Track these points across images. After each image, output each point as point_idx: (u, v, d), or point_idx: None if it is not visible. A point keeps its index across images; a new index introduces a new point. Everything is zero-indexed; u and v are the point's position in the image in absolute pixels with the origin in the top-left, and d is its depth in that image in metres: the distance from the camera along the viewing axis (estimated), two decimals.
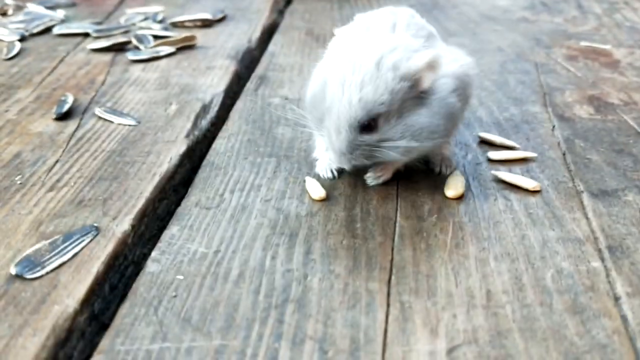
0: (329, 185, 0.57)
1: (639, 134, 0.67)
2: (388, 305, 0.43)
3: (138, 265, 0.51)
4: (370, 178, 0.57)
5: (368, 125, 0.51)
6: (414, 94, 0.52)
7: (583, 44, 0.95)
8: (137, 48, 0.91)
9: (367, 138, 0.51)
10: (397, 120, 0.51)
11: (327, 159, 0.58)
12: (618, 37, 0.98)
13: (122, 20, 1.04)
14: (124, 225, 0.51)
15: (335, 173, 0.58)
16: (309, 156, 0.61)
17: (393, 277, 0.46)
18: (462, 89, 0.56)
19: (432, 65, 0.51)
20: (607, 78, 0.82)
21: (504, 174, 0.58)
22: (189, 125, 0.69)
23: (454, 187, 0.56)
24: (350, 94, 0.50)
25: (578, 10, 1.12)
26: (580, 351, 0.39)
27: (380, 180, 0.57)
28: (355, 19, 0.63)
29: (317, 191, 0.56)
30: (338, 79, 0.52)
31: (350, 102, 0.50)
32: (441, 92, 0.53)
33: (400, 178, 0.58)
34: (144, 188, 0.57)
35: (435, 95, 0.52)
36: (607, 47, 0.94)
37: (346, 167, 0.54)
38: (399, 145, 0.52)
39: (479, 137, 0.66)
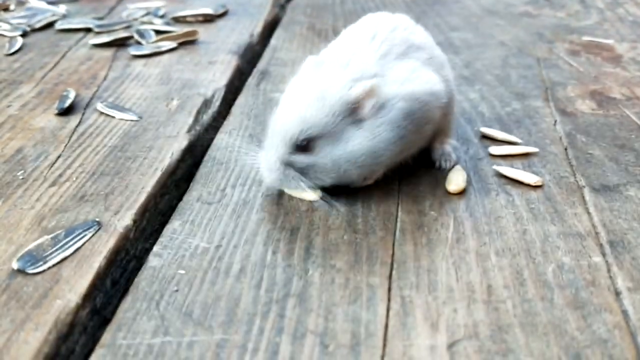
0: None
1: None
2: (389, 299, 0.43)
3: (140, 260, 0.51)
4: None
5: (303, 146, 0.52)
6: (355, 119, 0.52)
7: (585, 38, 0.95)
8: (138, 43, 0.91)
9: (299, 159, 0.52)
10: (333, 145, 0.52)
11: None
12: (621, 32, 0.98)
13: (123, 16, 1.04)
14: (125, 220, 0.51)
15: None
16: None
17: (394, 272, 0.46)
18: (412, 114, 0.53)
19: (370, 94, 0.51)
20: (610, 73, 0.82)
21: (505, 169, 0.58)
22: (190, 120, 0.69)
23: (455, 182, 0.56)
24: (291, 114, 0.52)
25: (580, 4, 1.12)
26: (581, 346, 0.39)
27: (366, 183, 0.55)
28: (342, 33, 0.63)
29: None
30: (284, 104, 0.54)
31: (288, 121, 0.52)
32: (384, 116, 0.52)
33: (402, 173, 0.58)
34: (145, 183, 0.57)
35: (377, 120, 0.52)
36: (610, 41, 0.94)
37: (271, 183, 0.54)
38: (331, 169, 0.52)
39: (481, 132, 0.66)
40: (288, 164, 0.52)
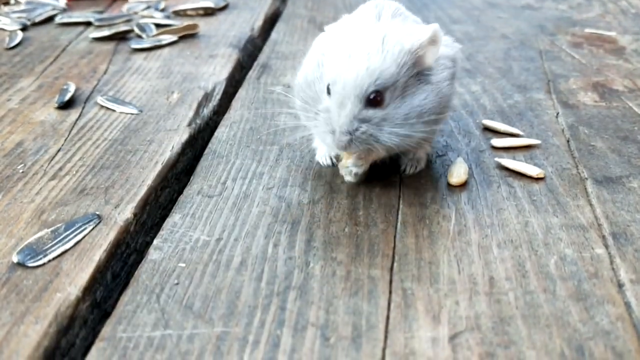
0: (331, 172, 0.57)
1: None
2: (390, 292, 0.43)
3: (140, 254, 0.51)
4: (351, 166, 0.53)
5: (374, 98, 0.48)
6: (416, 71, 0.50)
7: (588, 30, 0.95)
8: (139, 37, 0.91)
9: (372, 114, 0.48)
10: (402, 99, 0.49)
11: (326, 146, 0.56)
12: (623, 24, 0.97)
13: (124, 9, 1.04)
14: (126, 213, 0.51)
15: (335, 160, 0.57)
16: (311, 144, 0.61)
17: (395, 264, 0.46)
18: (455, 73, 0.55)
19: (434, 40, 0.50)
20: (612, 65, 0.82)
21: (507, 161, 0.58)
22: (191, 113, 0.69)
23: (457, 175, 0.56)
24: (358, 65, 0.48)
25: None
26: (584, 337, 0.39)
27: (361, 170, 0.53)
28: (342, 18, 0.62)
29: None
30: (342, 54, 0.49)
31: (357, 72, 0.48)
32: (441, 73, 0.52)
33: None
34: (146, 176, 0.56)
35: (436, 76, 0.51)
36: (612, 34, 0.93)
37: (343, 149, 0.49)
38: (405, 125, 0.49)
39: (483, 124, 0.66)
40: (362, 121, 0.48)
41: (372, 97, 0.48)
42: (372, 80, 0.48)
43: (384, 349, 0.39)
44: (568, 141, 0.62)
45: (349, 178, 0.53)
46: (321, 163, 0.58)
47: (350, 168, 0.53)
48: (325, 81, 0.50)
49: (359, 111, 0.48)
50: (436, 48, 0.50)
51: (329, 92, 0.49)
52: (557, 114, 0.68)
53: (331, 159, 0.58)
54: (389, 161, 0.57)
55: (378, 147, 0.49)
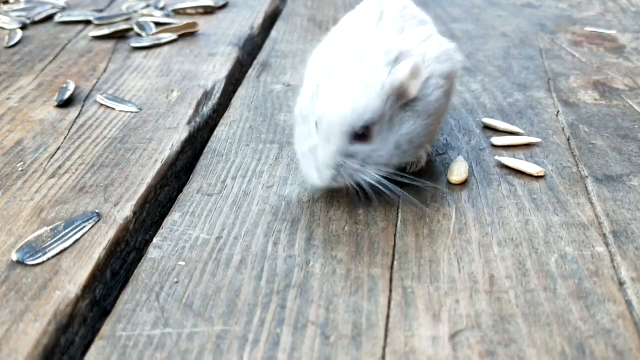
0: None
1: None
2: (390, 290, 0.43)
3: (140, 252, 0.51)
4: None
5: (362, 134, 0.49)
6: (402, 103, 0.50)
7: (588, 29, 0.95)
8: (138, 35, 0.91)
9: (360, 149, 0.49)
10: (389, 131, 0.50)
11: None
12: (623, 23, 0.97)
13: (123, 8, 1.03)
14: (125, 211, 0.51)
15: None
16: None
17: (395, 263, 0.46)
18: (449, 87, 0.55)
19: (415, 74, 0.50)
20: (612, 63, 0.82)
21: (507, 160, 0.58)
22: (190, 112, 0.68)
23: (457, 173, 0.56)
24: (343, 103, 0.49)
25: None
26: (585, 336, 0.39)
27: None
28: (344, 17, 0.62)
29: None
30: (329, 91, 0.50)
31: (343, 110, 0.48)
32: (430, 95, 0.52)
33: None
34: (145, 174, 0.56)
35: (424, 100, 0.51)
36: (613, 32, 0.93)
37: (324, 182, 0.50)
38: (394, 154, 0.50)
39: (483, 123, 0.66)
40: (348, 156, 0.49)
41: (359, 133, 0.49)
42: (357, 117, 0.48)
43: (384, 348, 0.38)
44: (568, 139, 0.62)
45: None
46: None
47: None
48: (314, 118, 0.51)
49: (345, 147, 0.49)
50: (417, 81, 0.50)
51: (317, 129, 0.50)
52: (558, 112, 0.68)
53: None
54: None
55: (365, 182, 0.50)
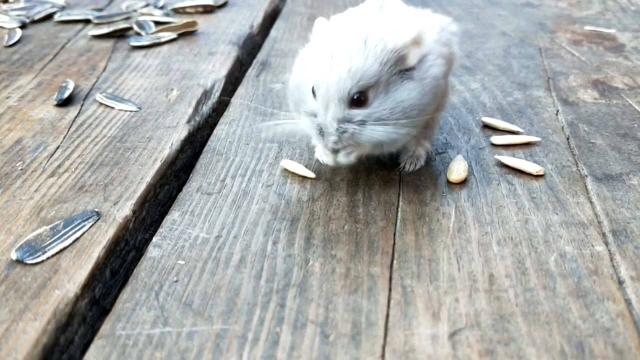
0: (330, 170, 0.57)
1: None
2: (390, 289, 0.43)
3: (139, 251, 0.51)
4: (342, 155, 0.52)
5: (358, 98, 0.49)
6: (400, 69, 0.50)
7: (587, 28, 0.95)
8: (138, 34, 0.91)
9: (356, 114, 0.49)
10: (386, 95, 0.50)
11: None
12: (623, 22, 0.97)
13: (123, 7, 1.03)
14: (125, 210, 0.51)
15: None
16: (310, 141, 0.61)
17: (395, 262, 0.46)
18: (448, 68, 0.55)
19: (417, 41, 0.50)
20: (612, 62, 0.81)
21: (507, 159, 0.58)
22: (190, 110, 0.68)
23: (456, 172, 0.56)
24: (340, 67, 0.49)
25: None
26: (584, 335, 0.39)
27: (352, 157, 0.52)
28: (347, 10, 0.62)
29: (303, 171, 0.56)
30: (325, 55, 0.50)
31: (339, 75, 0.48)
32: (430, 69, 0.51)
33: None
34: (145, 173, 0.56)
35: (423, 72, 0.51)
36: (612, 31, 0.93)
37: (333, 151, 0.50)
38: (389, 122, 0.49)
39: (482, 122, 0.66)
40: (347, 121, 0.49)
41: (355, 97, 0.49)
42: (355, 82, 0.48)
43: (383, 346, 0.38)
44: (568, 139, 0.62)
45: (326, 159, 0.54)
46: (320, 160, 0.58)
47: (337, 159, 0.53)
48: (310, 84, 0.51)
49: (343, 113, 0.49)
50: (419, 49, 0.50)
51: (314, 95, 0.50)
52: (557, 111, 0.68)
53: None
54: (387, 158, 0.57)
55: (363, 145, 0.50)
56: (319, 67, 0.50)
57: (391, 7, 0.56)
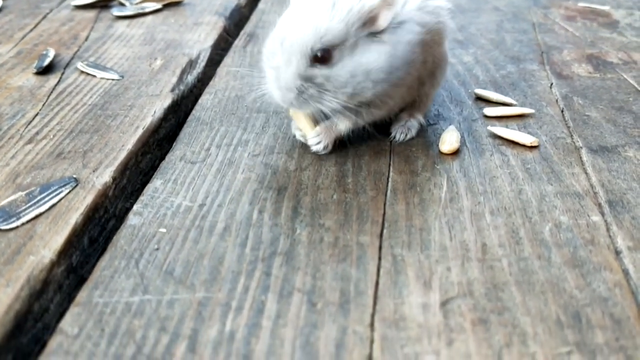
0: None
1: (638, 92, 0.65)
2: (380, 258, 0.41)
3: (120, 220, 0.49)
4: (313, 140, 0.53)
5: (322, 56, 0.48)
6: (371, 32, 0.49)
7: (581, 4, 0.93)
8: (122, 4, 0.88)
9: (318, 72, 0.48)
10: (350, 57, 0.48)
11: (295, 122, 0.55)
12: None
13: None
14: (104, 177, 0.49)
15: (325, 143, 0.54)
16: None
17: (385, 231, 0.44)
18: (434, 38, 0.53)
19: (388, 3, 0.48)
20: (606, 38, 0.80)
21: (500, 130, 0.56)
22: (174, 79, 0.66)
23: (448, 142, 0.54)
24: (305, 24, 0.48)
25: None
26: (581, 304, 0.38)
27: (320, 147, 0.53)
28: None
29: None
30: (295, 13, 0.49)
31: (304, 31, 0.48)
32: (405, 35, 0.50)
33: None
34: (126, 141, 0.54)
35: (397, 37, 0.49)
36: (606, 7, 0.92)
37: (290, 105, 0.49)
38: (348, 82, 0.48)
39: (475, 94, 0.64)
40: (307, 78, 0.48)
41: (319, 54, 0.48)
42: (318, 37, 0.47)
43: (372, 315, 0.37)
44: (562, 111, 0.61)
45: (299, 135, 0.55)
46: (297, 137, 0.56)
47: (310, 143, 0.53)
48: (278, 40, 0.49)
49: (305, 68, 0.48)
50: (390, 11, 0.48)
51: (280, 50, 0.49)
52: (551, 84, 0.67)
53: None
54: (374, 126, 0.55)
55: (323, 106, 0.49)
56: (287, 23, 0.49)
57: None
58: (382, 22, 0.49)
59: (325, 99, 0.49)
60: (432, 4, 0.54)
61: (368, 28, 0.48)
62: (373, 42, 0.49)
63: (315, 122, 0.54)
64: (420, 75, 0.55)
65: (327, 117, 0.52)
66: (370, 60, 0.48)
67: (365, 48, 0.48)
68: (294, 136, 0.56)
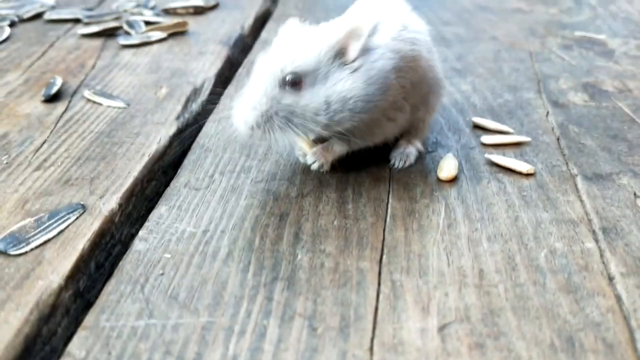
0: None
1: (633, 120, 0.66)
2: (379, 283, 0.43)
3: (125, 246, 0.50)
4: (310, 159, 0.55)
5: (293, 81, 0.49)
6: (341, 61, 0.50)
7: (578, 33, 0.95)
8: (127, 33, 0.90)
9: (288, 97, 0.49)
10: (324, 85, 0.50)
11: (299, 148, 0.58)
12: (613, 28, 0.98)
13: (113, 7, 1.03)
14: (111, 203, 0.50)
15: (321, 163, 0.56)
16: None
17: (384, 256, 0.45)
18: (398, 69, 0.53)
19: (354, 34, 0.50)
20: (602, 67, 0.82)
21: (497, 157, 0.57)
22: (179, 107, 0.68)
23: (446, 170, 0.55)
24: (278, 54, 0.50)
25: (573, 1, 1.12)
26: (574, 329, 0.39)
27: (316, 166, 0.55)
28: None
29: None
30: (275, 44, 0.52)
31: (276, 57, 0.50)
32: (376, 62, 0.51)
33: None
34: (132, 168, 0.56)
35: (366, 65, 0.50)
36: (602, 36, 0.93)
37: (247, 124, 0.50)
38: (321, 109, 0.49)
39: (473, 122, 0.66)
40: (275, 100, 0.49)
41: (289, 79, 0.49)
42: (289, 61, 0.49)
43: (372, 339, 0.38)
44: (558, 139, 0.62)
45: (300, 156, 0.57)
46: (312, 167, 0.56)
47: (310, 162, 0.56)
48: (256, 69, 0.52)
49: (274, 92, 0.49)
50: (358, 42, 0.50)
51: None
52: (547, 112, 0.68)
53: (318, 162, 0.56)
54: (374, 151, 0.56)
55: (287, 134, 0.50)
56: (260, 60, 0.52)
57: (379, 7, 0.56)
58: (352, 53, 0.50)
59: (293, 123, 0.50)
60: (408, 35, 0.55)
61: (339, 59, 0.50)
62: (345, 71, 0.50)
63: (315, 142, 0.56)
64: (414, 102, 0.56)
65: (324, 139, 0.55)
66: (344, 89, 0.50)
67: (338, 77, 0.50)
68: (296, 163, 0.57)
